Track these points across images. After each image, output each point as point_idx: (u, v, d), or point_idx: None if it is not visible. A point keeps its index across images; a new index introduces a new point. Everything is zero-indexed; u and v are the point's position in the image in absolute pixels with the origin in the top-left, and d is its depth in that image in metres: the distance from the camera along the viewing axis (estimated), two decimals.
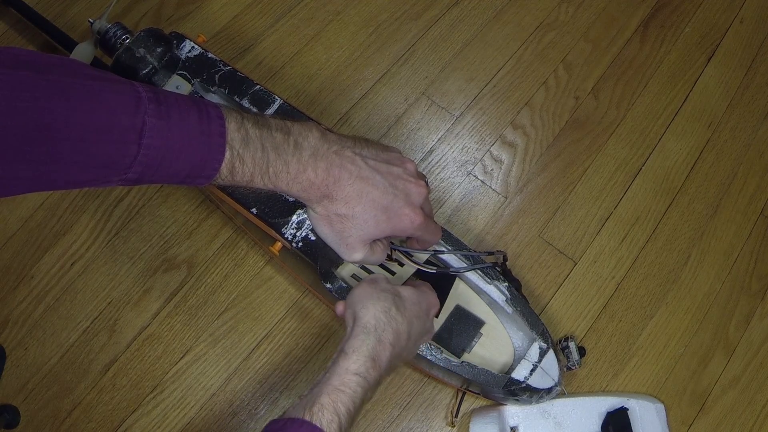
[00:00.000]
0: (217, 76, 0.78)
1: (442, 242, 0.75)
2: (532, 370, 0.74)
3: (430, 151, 0.96)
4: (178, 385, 0.83)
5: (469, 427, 0.81)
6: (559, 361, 0.76)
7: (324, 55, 1.00)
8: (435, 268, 0.72)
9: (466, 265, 0.75)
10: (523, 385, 0.73)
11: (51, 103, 0.42)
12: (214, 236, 0.90)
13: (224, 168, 0.50)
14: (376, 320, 0.57)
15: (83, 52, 0.84)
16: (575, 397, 0.82)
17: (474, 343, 0.76)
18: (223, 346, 0.85)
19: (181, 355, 0.84)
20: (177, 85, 0.78)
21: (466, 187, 0.95)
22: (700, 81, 1.03)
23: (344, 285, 0.73)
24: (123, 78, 0.48)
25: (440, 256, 0.75)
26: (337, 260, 0.76)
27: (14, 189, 0.43)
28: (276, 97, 0.77)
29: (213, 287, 0.87)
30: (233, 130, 0.50)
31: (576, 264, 0.91)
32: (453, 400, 0.84)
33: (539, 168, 0.96)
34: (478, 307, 0.78)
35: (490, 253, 0.77)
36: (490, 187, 0.95)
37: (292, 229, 0.71)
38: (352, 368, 0.54)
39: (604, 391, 0.85)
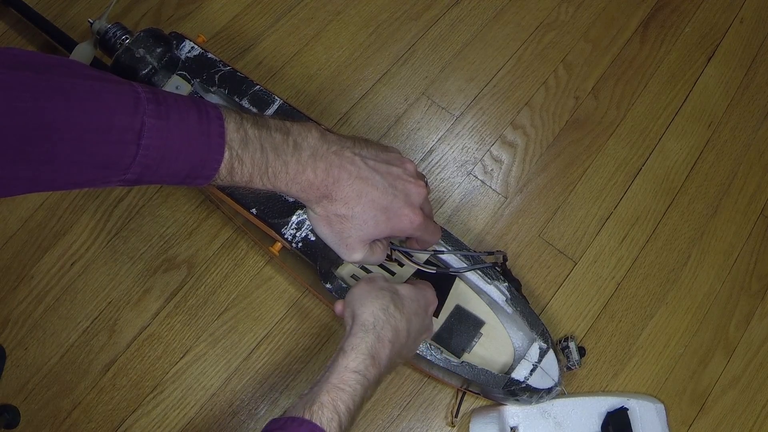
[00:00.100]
0: (216, 76, 0.78)
1: (442, 242, 0.75)
2: (532, 370, 0.74)
3: (430, 151, 0.96)
4: (178, 385, 0.83)
5: (469, 427, 0.81)
6: (559, 361, 0.76)
7: (324, 55, 1.00)
8: (435, 268, 0.72)
9: (466, 265, 0.75)
10: (523, 385, 0.73)
11: (50, 103, 0.42)
12: (214, 236, 0.90)
13: (223, 168, 0.50)
14: (374, 318, 0.57)
15: (83, 52, 0.84)
16: (575, 397, 0.82)
17: (474, 343, 0.76)
18: (223, 346, 0.85)
19: (181, 355, 0.84)
20: (177, 85, 0.78)
21: (466, 187, 0.95)
22: (700, 81, 1.03)
23: (344, 285, 0.73)
24: (122, 78, 0.48)
25: (440, 256, 0.75)
26: (337, 260, 0.76)
27: (14, 189, 0.43)
28: (276, 97, 0.77)
29: (213, 287, 0.87)
30: (232, 130, 0.50)
31: (576, 264, 0.91)
32: (453, 400, 0.84)
33: (539, 168, 0.96)
34: (478, 307, 0.78)
35: (490, 253, 0.77)
36: (490, 187, 0.95)
37: (292, 229, 0.71)
38: (351, 366, 0.54)
39: (604, 391, 0.85)
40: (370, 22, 1.03)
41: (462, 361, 0.72)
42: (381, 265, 0.77)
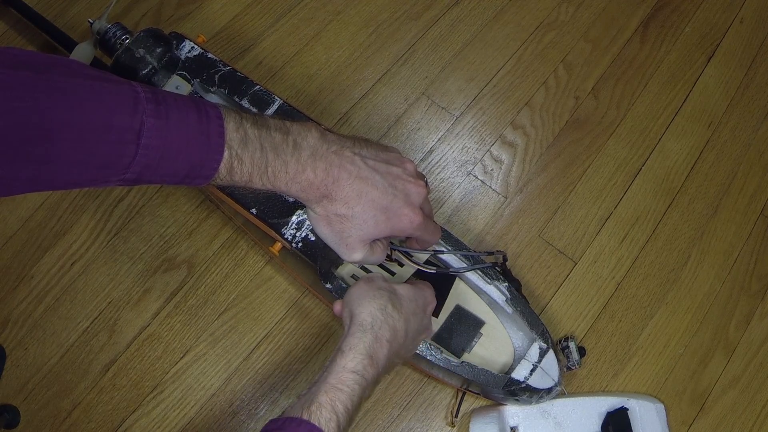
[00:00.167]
0: (216, 76, 0.78)
1: (442, 242, 0.75)
2: (532, 370, 0.74)
3: (430, 151, 0.96)
4: (178, 385, 0.83)
5: (469, 427, 0.81)
6: (559, 361, 0.76)
7: (324, 55, 1.00)
8: (435, 268, 0.72)
9: (466, 265, 0.75)
10: (523, 385, 0.73)
11: (50, 103, 0.42)
12: (214, 236, 0.90)
13: (223, 168, 0.50)
14: (372, 318, 0.57)
15: (83, 52, 0.84)
16: (575, 397, 0.82)
17: (474, 343, 0.76)
18: (223, 346, 0.85)
19: (181, 355, 0.84)
20: (177, 85, 0.78)
21: (466, 187, 0.95)
22: (700, 81, 1.03)
23: (344, 285, 0.73)
24: (122, 78, 0.48)
25: (440, 256, 0.75)
26: (337, 260, 0.76)
27: (14, 189, 0.43)
28: (276, 97, 0.77)
29: (213, 287, 0.87)
30: (232, 130, 0.50)
31: (576, 264, 0.91)
32: (453, 400, 0.84)
33: (539, 168, 0.96)
34: (478, 307, 0.78)
35: (490, 253, 0.77)
36: (490, 187, 0.95)
37: (292, 229, 0.71)
38: (349, 366, 0.54)
39: (604, 391, 0.85)
40: (370, 22, 1.03)
41: (462, 361, 0.72)
42: (381, 265, 0.77)
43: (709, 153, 0.99)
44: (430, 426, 0.83)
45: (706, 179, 0.97)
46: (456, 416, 0.82)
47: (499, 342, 0.77)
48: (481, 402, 0.84)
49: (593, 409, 0.81)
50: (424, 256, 0.76)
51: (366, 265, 0.77)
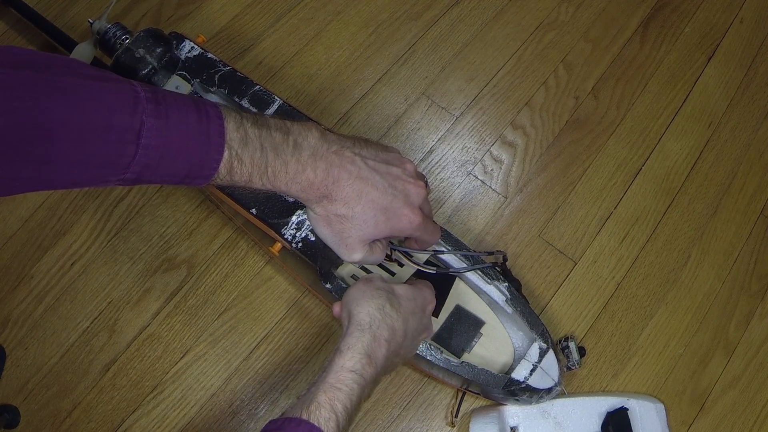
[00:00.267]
0: (216, 76, 0.78)
1: (442, 242, 0.75)
2: (532, 370, 0.74)
3: (430, 151, 0.96)
4: (178, 385, 0.83)
5: (469, 427, 0.81)
6: (559, 361, 0.76)
7: (324, 55, 1.00)
8: (435, 268, 0.72)
9: (465, 266, 0.75)
10: (523, 385, 0.73)
11: (50, 102, 0.42)
12: (214, 236, 0.90)
13: (223, 168, 0.50)
14: (370, 317, 0.57)
15: (83, 52, 0.84)
16: (575, 397, 0.82)
17: (474, 343, 0.76)
18: (223, 346, 0.85)
19: (181, 355, 0.84)
20: (176, 85, 0.78)
21: (466, 187, 0.95)
22: (700, 81, 1.03)
23: (344, 285, 0.73)
24: (122, 78, 0.48)
25: (440, 256, 0.75)
26: (337, 260, 0.76)
27: (14, 188, 0.44)
28: (276, 97, 0.77)
29: (213, 287, 0.87)
30: (232, 130, 0.50)
31: (576, 264, 0.91)
32: (453, 400, 0.84)
33: (539, 168, 0.96)
34: (478, 307, 0.78)
35: (490, 253, 0.77)
36: (490, 187, 0.95)
37: (292, 229, 0.71)
38: (348, 365, 0.54)
39: (604, 391, 0.85)
40: (370, 22, 1.03)
41: (462, 361, 0.72)
42: (381, 265, 0.77)
43: (709, 153, 0.99)
44: (430, 426, 0.83)
45: (706, 179, 0.97)
46: (456, 416, 0.82)
47: (499, 342, 0.77)
48: (481, 402, 0.84)
49: (593, 409, 0.81)
50: (423, 256, 0.76)
51: (366, 266, 0.77)
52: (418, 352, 0.71)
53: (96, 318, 0.86)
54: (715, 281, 0.92)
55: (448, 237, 0.75)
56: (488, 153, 0.97)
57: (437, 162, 0.96)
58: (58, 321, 0.85)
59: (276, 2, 1.03)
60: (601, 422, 0.80)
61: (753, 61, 1.05)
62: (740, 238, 0.95)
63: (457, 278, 0.78)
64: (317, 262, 0.70)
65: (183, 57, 0.79)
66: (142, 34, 0.78)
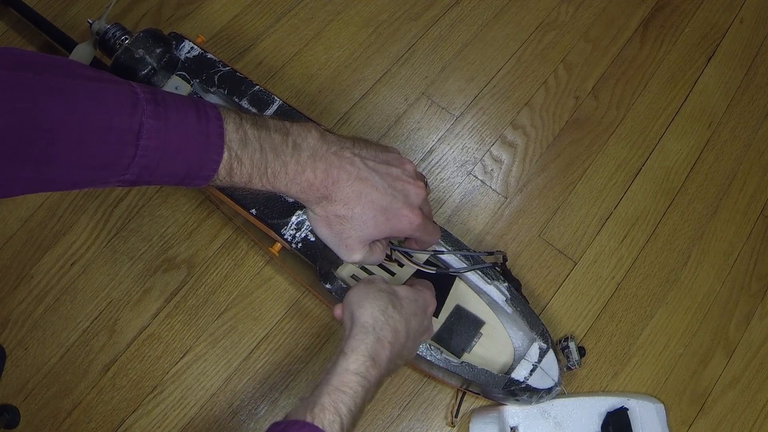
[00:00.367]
0: (216, 76, 0.78)
1: (442, 242, 0.75)
2: (532, 370, 0.74)
3: (430, 151, 0.96)
4: (178, 385, 0.83)
5: (469, 427, 0.81)
6: (559, 361, 0.76)
7: (324, 55, 1.00)
8: (435, 268, 0.72)
9: (465, 266, 0.75)
10: (523, 385, 0.73)
11: (50, 103, 0.42)
12: (214, 236, 0.90)
13: (222, 169, 0.50)
14: (373, 319, 0.57)
15: (83, 52, 0.84)
16: (575, 397, 0.82)
17: (474, 343, 0.76)
18: (223, 346, 0.85)
19: (181, 355, 0.84)
20: (176, 85, 0.78)
21: (466, 187, 0.95)
22: (700, 81, 1.03)
23: (344, 285, 0.73)
24: (121, 79, 0.48)
25: (440, 256, 0.75)
26: (337, 261, 0.76)
27: (14, 190, 0.43)
28: (275, 97, 0.77)
29: (213, 287, 0.88)
30: (231, 130, 0.50)
31: (576, 264, 0.91)
32: (453, 400, 0.84)
33: (539, 168, 0.96)
34: (478, 307, 0.78)
35: (490, 253, 0.77)
36: (490, 187, 0.95)
37: (292, 229, 0.71)
38: (352, 368, 0.54)
39: (604, 391, 0.85)
40: (370, 22, 1.03)
41: (462, 361, 0.72)
42: (381, 266, 0.77)
43: (709, 153, 0.99)
44: (430, 426, 0.83)
45: (706, 179, 0.97)
46: (456, 416, 0.82)
47: (499, 342, 0.77)
48: (481, 402, 0.84)
49: (593, 409, 0.81)
50: (423, 257, 0.76)
51: (366, 266, 0.77)
52: (418, 352, 0.71)
53: (96, 318, 0.86)
54: (715, 281, 0.92)
55: (448, 237, 0.75)
56: (488, 153, 0.97)
57: (437, 162, 0.96)
58: (58, 321, 0.85)
59: (276, 2, 1.03)
60: (601, 422, 0.80)
61: (753, 61, 1.05)
62: (740, 238, 0.95)
63: (457, 278, 0.78)
64: (317, 262, 0.70)
65: (182, 57, 0.79)
66: (141, 34, 0.78)
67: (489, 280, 0.76)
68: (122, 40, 0.80)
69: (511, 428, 0.79)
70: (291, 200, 0.72)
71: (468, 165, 0.96)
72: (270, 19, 1.02)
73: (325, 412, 0.51)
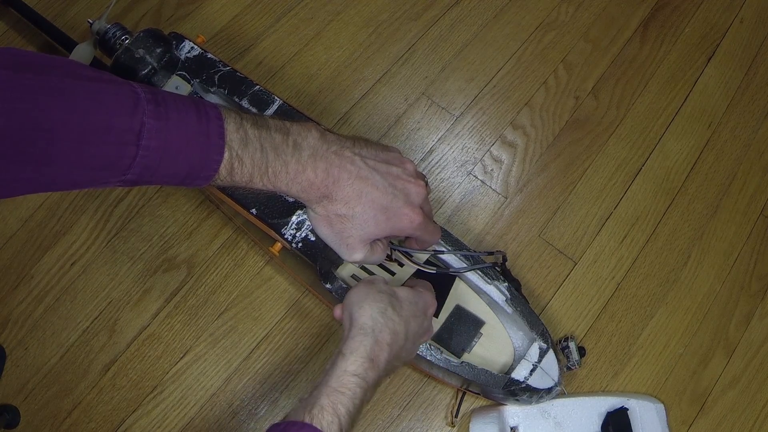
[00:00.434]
0: (216, 76, 0.78)
1: (442, 242, 0.75)
2: (532, 370, 0.74)
3: (430, 151, 0.96)
4: (178, 385, 0.83)
5: (469, 427, 0.81)
6: (559, 361, 0.76)
7: (324, 55, 1.00)
8: (435, 268, 0.72)
9: (465, 266, 0.75)
10: (523, 385, 0.73)
11: (50, 104, 0.42)
12: (214, 236, 0.90)
13: (223, 169, 0.50)
14: (372, 321, 0.57)
15: (83, 52, 0.84)
16: (575, 397, 0.82)
17: (474, 343, 0.76)
18: (223, 346, 0.85)
19: (181, 355, 0.84)
20: (176, 85, 0.78)
21: (466, 187, 0.95)
22: (700, 81, 1.03)
23: (344, 285, 0.73)
24: (122, 79, 0.48)
25: (440, 256, 0.75)
26: (337, 260, 0.76)
27: (14, 190, 0.43)
28: (275, 97, 0.77)
29: (213, 287, 0.87)
30: (232, 130, 0.50)
31: (576, 264, 0.91)
32: (453, 400, 0.84)
33: (539, 168, 0.96)
34: (478, 307, 0.78)
35: (490, 253, 0.77)
36: (490, 187, 0.95)
37: (292, 229, 0.71)
38: (350, 369, 0.54)
39: (604, 391, 0.85)
40: (370, 22, 1.03)
41: (462, 361, 0.72)
42: (381, 265, 0.77)
43: (709, 153, 0.99)
44: (430, 426, 0.83)
45: (706, 179, 0.97)
46: (456, 416, 0.82)
47: (499, 342, 0.77)
48: (481, 402, 0.84)
49: (593, 409, 0.81)
50: (424, 256, 0.76)
51: (366, 265, 0.77)
52: (418, 352, 0.71)
53: (96, 318, 0.86)
54: (715, 281, 0.92)
55: (448, 237, 0.75)
56: (488, 153, 0.97)
57: (437, 162, 0.96)
58: (58, 321, 0.85)
59: (276, 2, 1.03)
60: (601, 422, 0.80)
61: (753, 61, 1.05)
62: (740, 238, 0.95)
63: (457, 278, 0.78)
64: (317, 262, 0.70)
65: (183, 57, 0.79)
66: (141, 34, 0.78)
67: (489, 280, 0.76)
68: (122, 40, 0.80)
69: (511, 428, 0.79)
70: (291, 200, 0.72)
71: (468, 165, 0.96)
72: (270, 19, 1.02)
73: (324, 413, 0.51)
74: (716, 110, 1.02)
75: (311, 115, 0.83)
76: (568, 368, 0.80)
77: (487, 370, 0.73)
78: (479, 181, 0.95)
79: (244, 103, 0.77)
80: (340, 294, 0.72)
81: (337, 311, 0.62)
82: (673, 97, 1.02)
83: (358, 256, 0.58)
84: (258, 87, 0.78)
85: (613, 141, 0.98)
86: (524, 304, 0.76)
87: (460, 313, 0.77)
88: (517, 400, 0.76)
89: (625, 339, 0.88)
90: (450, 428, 0.83)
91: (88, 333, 0.85)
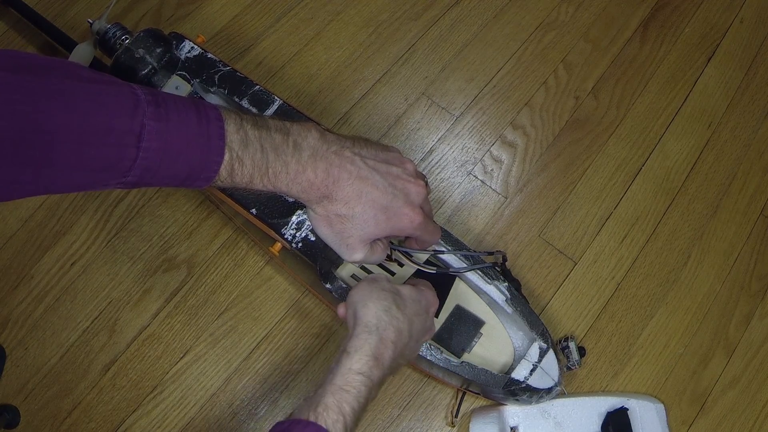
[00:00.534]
0: (216, 76, 0.78)
1: (442, 242, 0.75)
2: (532, 370, 0.74)
3: (430, 151, 0.96)
4: (178, 385, 0.83)
5: (469, 427, 0.81)
6: (559, 361, 0.76)
7: (324, 55, 1.00)
8: (435, 268, 0.72)
9: (465, 265, 0.75)
10: (523, 385, 0.74)
11: (50, 105, 0.42)
12: (214, 236, 0.90)
13: (223, 170, 0.50)
14: (377, 319, 0.57)
15: (83, 52, 0.84)
16: (575, 397, 0.82)
17: (474, 343, 0.76)
18: (223, 346, 0.85)
19: (181, 355, 0.84)
20: (176, 85, 0.78)
21: (466, 187, 0.95)
22: (700, 81, 1.03)
23: (344, 285, 0.73)
24: (121, 80, 0.48)
25: (440, 256, 0.75)
26: (337, 260, 0.76)
27: (14, 193, 0.43)
28: (275, 97, 0.77)
29: (213, 287, 0.87)
30: (232, 131, 0.50)
31: (576, 264, 0.91)
32: (453, 400, 0.84)
33: (539, 168, 0.96)
34: (478, 307, 0.78)
35: (490, 253, 0.77)
36: (490, 187, 0.95)
37: (292, 229, 0.71)
38: (355, 368, 0.54)
39: (604, 391, 0.85)
40: (370, 22, 1.03)
41: (462, 361, 0.72)
42: (380, 266, 0.77)
43: (709, 153, 0.99)
44: (430, 426, 0.83)
45: (706, 179, 0.97)
46: (456, 416, 0.82)
47: (499, 342, 0.77)
48: (481, 402, 0.84)
49: (593, 409, 0.81)
50: (424, 256, 0.76)
51: (366, 265, 0.78)
52: (418, 352, 0.71)
53: (96, 318, 0.86)
54: (715, 281, 0.92)
55: (448, 237, 0.75)
56: (488, 153, 0.97)
57: (437, 162, 0.96)
58: (58, 321, 0.85)
59: (276, 2, 1.03)
60: (601, 422, 0.80)
61: (753, 61, 1.05)
62: (740, 238, 0.95)
63: (457, 278, 0.78)
64: (317, 262, 0.70)
65: (183, 57, 0.79)
66: (141, 34, 0.78)
67: (489, 280, 0.76)
68: (122, 40, 0.80)
69: (511, 428, 0.79)
70: (291, 200, 0.72)
71: (468, 165, 0.96)
72: (270, 19, 1.02)
73: (329, 412, 0.51)
74: (716, 110, 1.02)
75: (311, 115, 0.83)
76: (568, 368, 0.80)
77: (487, 370, 0.73)
78: (479, 181, 0.95)
79: (244, 103, 0.77)
80: (340, 294, 0.72)
81: (341, 309, 0.62)
82: (673, 97, 1.02)
83: (359, 256, 0.58)
84: (258, 87, 0.78)
85: (613, 141, 0.98)
86: (524, 304, 0.76)
87: (460, 313, 0.77)
88: (517, 400, 0.76)
89: (625, 339, 0.88)
90: (450, 428, 0.83)
91: (88, 333, 0.85)
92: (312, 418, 0.50)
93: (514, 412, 0.79)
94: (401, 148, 0.95)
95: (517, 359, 0.75)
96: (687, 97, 1.02)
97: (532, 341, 0.75)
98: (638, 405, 0.81)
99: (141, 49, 0.77)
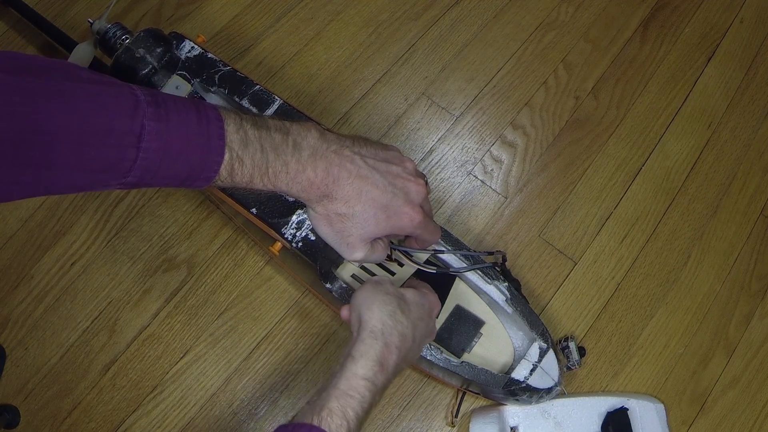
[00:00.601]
0: (216, 76, 0.78)
1: (442, 242, 0.75)
2: (532, 370, 0.74)
3: (430, 151, 0.96)
4: (178, 385, 0.83)
5: (469, 427, 0.81)
6: (559, 361, 0.76)
7: (324, 55, 1.00)
8: (435, 268, 0.72)
9: (465, 265, 0.75)
10: (523, 385, 0.73)
11: (50, 107, 0.42)
12: (214, 236, 0.90)
13: (223, 170, 0.50)
14: (382, 324, 0.57)
15: (83, 52, 0.84)
16: (575, 397, 0.82)
17: (474, 343, 0.76)
18: (223, 346, 0.85)
19: (181, 355, 0.84)
20: (176, 85, 0.78)
21: (466, 187, 0.95)
22: (700, 81, 1.03)
23: (344, 285, 0.73)
24: (121, 81, 0.48)
25: (440, 256, 0.75)
26: (337, 260, 0.76)
27: (14, 194, 0.43)
28: (276, 97, 0.77)
29: (213, 287, 0.87)
30: (232, 131, 0.50)
31: (576, 264, 0.91)
32: (453, 400, 0.84)
33: (539, 168, 0.96)
34: (478, 307, 0.78)
35: (490, 253, 0.77)
36: (490, 187, 0.95)
37: (292, 229, 0.71)
38: (360, 373, 0.54)
39: (604, 391, 0.85)
40: (370, 22, 1.03)
41: (462, 361, 0.72)
42: (380, 265, 0.77)
43: (709, 153, 0.99)
44: (430, 426, 0.83)
45: (706, 179, 0.97)
46: (456, 416, 0.82)
47: (499, 342, 0.77)
48: (481, 402, 0.84)
49: (593, 409, 0.81)
50: (424, 256, 0.76)
51: (366, 265, 0.78)
52: None
53: (96, 318, 0.86)
54: (715, 281, 0.92)
55: (448, 237, 0.75)
56: (488, 153, 0.97)
57: (437, 162, 0.96)
58: (58, 321, 0.85)
59: (276, 2, 1.03)
60: (601, 422, 0.80)
61: (753, 61, 1.05)
62: (740, 238, 0.95)
63: (457, 278, 0.78)
64: (317, 261, 0.70)
65: (183, 57, 0.79)
66: (142, 34, 0.78)
67: (489, 280, 0.76)
68: (123, 40, 0.80)
69: (511, 428, 0.79)
70: (291, 199, 0.72)
71: (468, 165, 0.96)
72: (270, 19, 1.02)
73: (333, 417, 0.50)
74: (716, 110, 1.02)
75: (311, 115, 0.83)
76: (568, 368, 0.80)
77: (487, 370, 0.73)
78: (479, 181, 0.95)
79: (244, 103, 0.77)
80: (341, 294, 0.72)
81: (345, 312, 0.61)
82: (673, 97, 1.02)
83: (359, 255, 0.58)
84: (258, 87, 0.78)
85: (613, 141, 0.98)
86: (524, 304, 0.76)
87: (460, 313, 0.77)
88: (517, 400, 0.76)
89: (625, 339, 0.88)
90: (450, 428, 0.83)
91: (88, 333, 0.85)
92: (316, 423, 0.50)
93: (514, 412, 0.79)
94: (401, 148, 0.95)
95: (517, 359, 0.75)
96: (687, 97, 1.02)
97: (532, 341, 0.75)
98: (638, 405, 0.81)
99: (141, 48, 0.77)
